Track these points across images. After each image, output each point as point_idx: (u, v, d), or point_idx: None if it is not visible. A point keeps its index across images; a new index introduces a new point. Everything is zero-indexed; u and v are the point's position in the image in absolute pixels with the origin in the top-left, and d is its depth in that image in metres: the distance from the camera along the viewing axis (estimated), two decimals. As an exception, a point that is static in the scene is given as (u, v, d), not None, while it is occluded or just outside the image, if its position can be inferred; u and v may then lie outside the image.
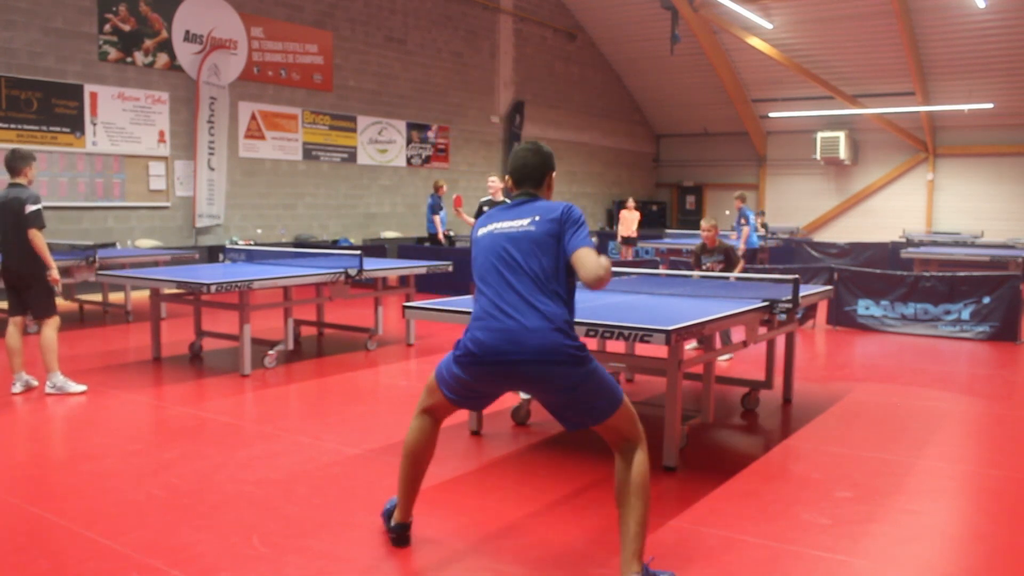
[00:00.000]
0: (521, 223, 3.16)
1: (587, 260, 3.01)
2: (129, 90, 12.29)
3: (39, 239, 5.80)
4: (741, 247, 11.83)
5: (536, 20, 20.03)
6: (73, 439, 4.96)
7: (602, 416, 3.08)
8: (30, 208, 5.76)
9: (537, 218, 3.14)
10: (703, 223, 7.63)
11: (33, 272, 5.87)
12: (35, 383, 6.08)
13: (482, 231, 3.27)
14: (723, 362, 7.31)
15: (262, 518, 3.67)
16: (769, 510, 3.84)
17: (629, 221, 16.18)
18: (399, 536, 3.40)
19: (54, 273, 5.88)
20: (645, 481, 3.08)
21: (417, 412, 3.38)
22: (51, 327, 5.98)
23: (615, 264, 11.27)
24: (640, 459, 3.10)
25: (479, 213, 10.04)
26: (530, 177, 3.32)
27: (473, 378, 3.13)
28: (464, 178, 18.37)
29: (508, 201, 3.33)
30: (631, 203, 16.50)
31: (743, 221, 12.31)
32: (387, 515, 3.49)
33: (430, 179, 17.21)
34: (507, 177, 3.38)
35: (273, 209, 14.52)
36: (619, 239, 16.50)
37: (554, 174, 3.38)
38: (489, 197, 11.12)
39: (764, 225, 17.78)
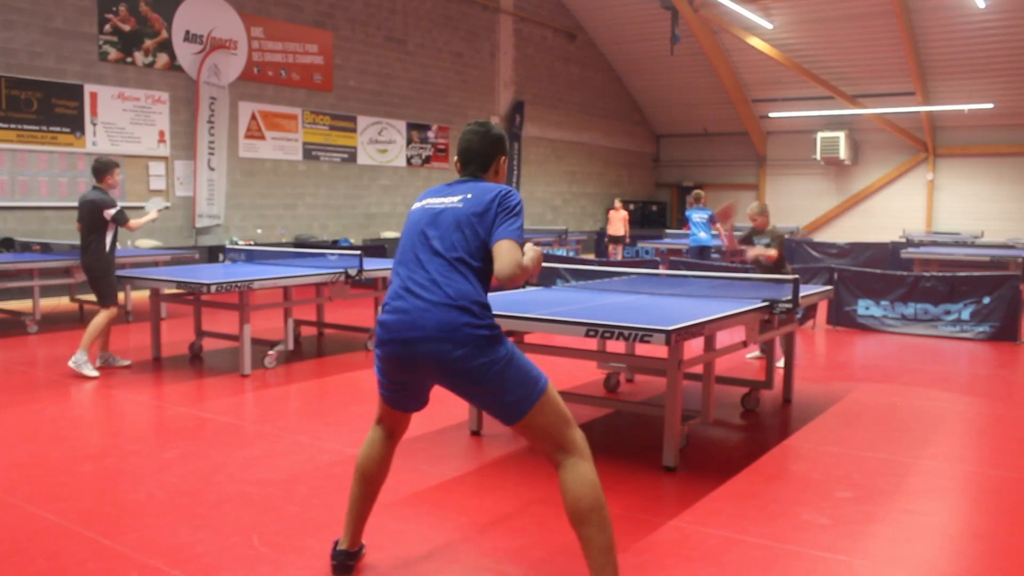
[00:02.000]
0: (451, 200, 2.93)
1: (504, 254, 2.75)
2: (129, 90, 12.29)
3: (133, 226, 6.76)
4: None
5: (536, 20, 20.03)
6: (73, 439, 4.95)
7: (514, 412, 2.76)
8: (110, 212, 6.60)
9: (469, 196, 2.91)
10: (749, 210, 7.30)
11: (95, 267, 6.66)
12: (124, 362, 6.89)
13: (415, 206, 3.05)
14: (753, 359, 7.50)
15: (262, 518, 3.67)
16: (769, 510, 3.84)
17: (616, 221, 16.73)
18: (340, 565, 3.06)
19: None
20: (596, 499, 2.72)
21: (373, 424, 3.15)
22: (105, 315, 6.59)
23: (607, 264, 11.26)
24: (582, 473, 2.75)
25: None
26: (473, 161, 3.06)
27: (385, 366, 2.90)
28: (464, 178, 18.35)
29: None
30: (618, 204, 17.23)
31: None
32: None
33: (430, 179, 17.22)
34: (455, 159, 3.15)
35: (273, 209, 14.52)
36: (606, 238, 17.34)
37: (504, 159, 3.11)
38: None
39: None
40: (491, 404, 2.80)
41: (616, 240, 16.96)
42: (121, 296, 10.14)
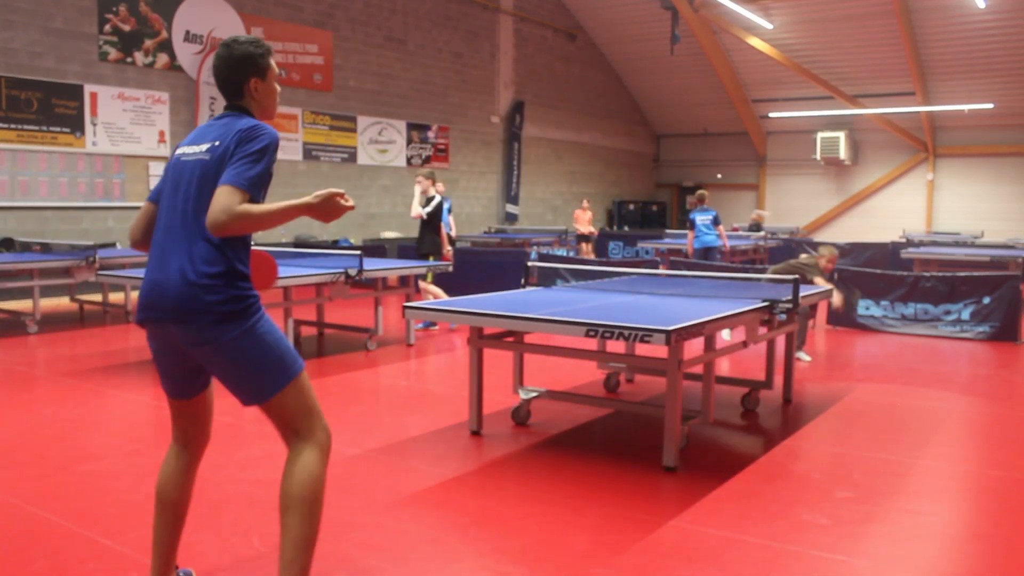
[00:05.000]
0: (199, 149, 2.57)
1: (215, 199, 2.38)
2: (129, 90, 12.29)
3: None
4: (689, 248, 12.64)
5: (536, 20, 20.03)
6: (73, 439, 4.95)
7: (256, 395, 2.58)
8: None
9: (217, 143, 2.53)
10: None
11: None
12: None
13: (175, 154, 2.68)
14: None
15: (262, 518, 3.66)
16: (769, 510, 3.84)
17: (582, 220, 16.92)
18: None
19: None
20: (310, 491, 2.55)
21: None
22: None
23: (607, 264, 11.25)
24: (307, 461, 2.60)
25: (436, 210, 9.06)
26: (223, 88, 2.66)
27: (149, 343, 2.66)
28: (464, 178, 18.38)
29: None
30: (585, 203, 17.67)
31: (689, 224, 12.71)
32: None
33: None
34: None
35: (273, 209, 14.49)
36: (575, 236, 17.38)
37: (256, 81, 2.65)
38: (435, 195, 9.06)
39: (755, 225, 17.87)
40: (231, 383, 2.63)
41: (582, 239, 17.15)
42: (121, 296, 10.18)
